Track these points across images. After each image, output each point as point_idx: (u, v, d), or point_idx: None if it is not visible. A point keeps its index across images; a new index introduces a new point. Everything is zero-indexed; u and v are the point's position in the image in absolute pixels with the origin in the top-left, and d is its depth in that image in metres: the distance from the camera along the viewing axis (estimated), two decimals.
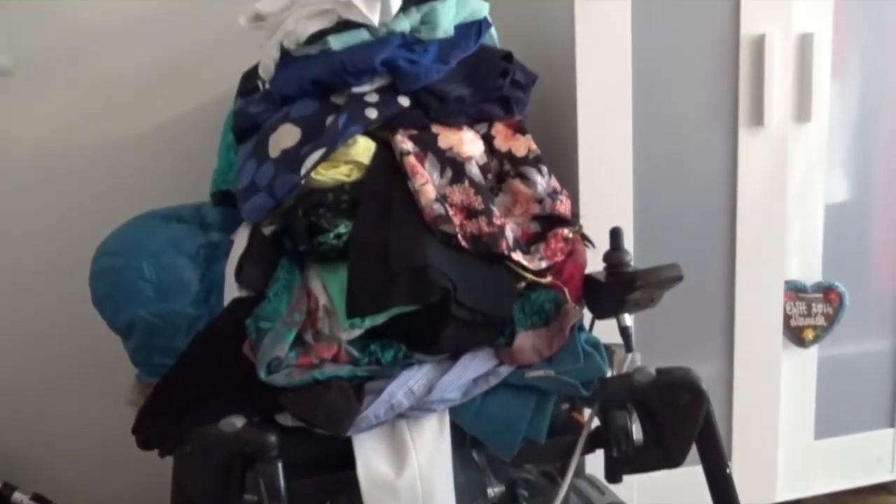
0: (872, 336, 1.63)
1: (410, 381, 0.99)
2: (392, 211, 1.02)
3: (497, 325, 1.03)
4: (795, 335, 1.57)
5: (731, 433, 1.52)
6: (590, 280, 1.09)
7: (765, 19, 1.36)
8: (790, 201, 1.46)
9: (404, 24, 1.09)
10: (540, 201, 1.11)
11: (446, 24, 1.11)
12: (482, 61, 1.15)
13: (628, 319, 1.09)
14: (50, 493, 1.56)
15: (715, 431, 1.02)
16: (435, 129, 1.10)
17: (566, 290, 1.08)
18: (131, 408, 1.09)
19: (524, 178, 1.12)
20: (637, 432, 1.02)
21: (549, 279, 1.08)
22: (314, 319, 1.00)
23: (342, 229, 1.01)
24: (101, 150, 1.59)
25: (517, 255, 1.05)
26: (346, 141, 1.03)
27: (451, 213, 1.03)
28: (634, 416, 1.03)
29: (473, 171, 1.08)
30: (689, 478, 1.05)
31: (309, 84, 1.08)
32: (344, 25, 1.06)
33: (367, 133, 1.06)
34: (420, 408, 1.00)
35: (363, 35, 1.07)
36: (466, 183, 1.07)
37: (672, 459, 1.02)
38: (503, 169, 1.14)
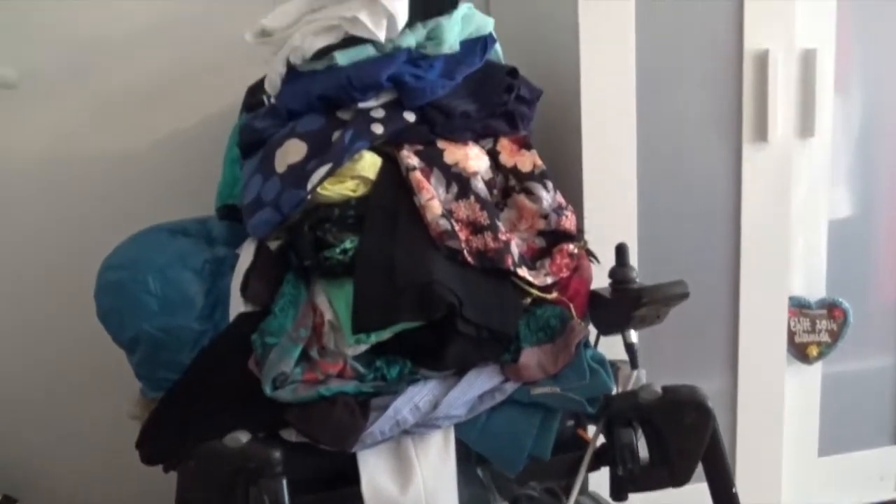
0: (876, 353, 1.63)
1: (416, 398, 0.99)
2: (398, 226, 1.02)
3: (503, 341, 1.03)
4: (799, 351, 1.57)
5: (735, 449, 1.52)
6: (595, 296, 1.10)
7: (768, 35, 1.36)
8: (794, 217, 1.46)
9: (410, 40, 1.10)
10: (545, 217, 1.11)
11: (452, 40, 1.12)
12: (487, 77, 1.15)
13: (634, 336, 1.09)
14: None
15: (721, 450, 1.02)
16: (441, 144, 1.10)
17: (572, 306, 1.08)
18: (134, 422, 1.09)
19: (529, 193, 1.12)
20: (643, 450, 1.02)
21: (554, 295, 1.08)
22: (319, 335, 1.00)
23: (348, 244, 1.01)
24: (106, 162, 1.58)
25: (523, 271, 1.05)
26: (352, 156, 1.03)
27: (456, 228, 1.03)
28: (640, 433, 1.03)
29: (479, 186, 1.08)
30: (695, 496, 1.04)
31: (315, 99, 1.08)
32: (350, 41, 1.07)
33: (373, 148, 1.07)
34: (425, 424, 0.99)
35: (369, 50, 1.08)
36: (472, 198, 1.07)
37: (678, 478, 1.01)
38: (508, 184, 1.14)
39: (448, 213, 1.04)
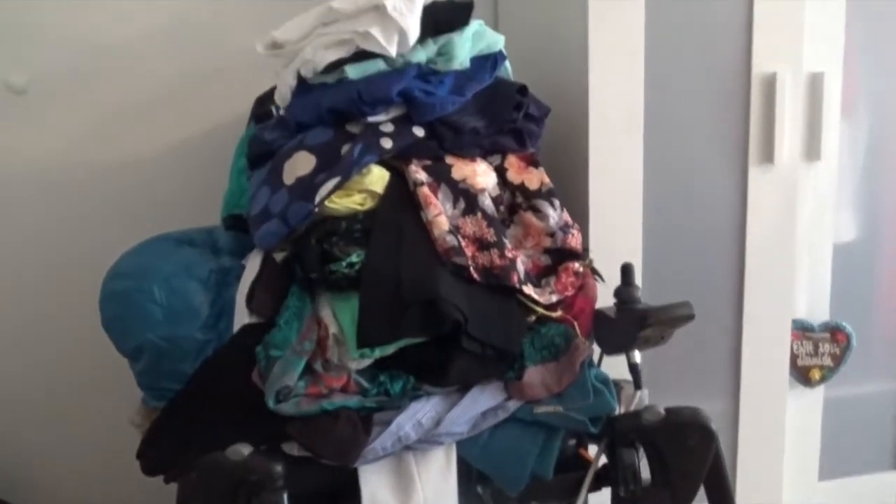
0: (879, 378, 1.62)
1: (419, 414, 0.98)
2: (404, 241, 1.02)
3: (507, 358, 1.02)
4: (802, 375, 1.57)
5: (736, 472, 1.51)
6: (600, 315, 1.09)
7: (776, 58, 1.36)
8: (799, 239, 1.46)
9: (421, 56, 1.10)
10: (552, 235, 1.12)
11: (462, 57, 1.12)
12: (497, 94, 1.16)
13: (638, 356, 1.09)
14: None
15: (723, 473, 1.01)
16: (449, 159, 1.10)
17: (576, 324, 1.08)
18: (136, 430, 1.09)
19: (536, 211, 1.12)
20: (644, 471, 1.01)
21: (559, 313, 1.08)
22: (324, 348, 1.00)
23: (354, 258, 1.01)
24: (113, 169, 1.59)
25: (528, 289, 1.05)
26: (360, 170, 1.03)
27: (463, 244, 1.03)
28: (642, 454, 1.02)
29: (486, 203, 1.09)
30: None
31: (325, 112, 1.08)
32: (361, 55, 1.07)
33: (381, 162, 1.07)
34: (427, 440, 0.99)
35: (380, 65, 1.08)
36: (479, 215, 1.07)
37: (680, 500, 1.01)
38: (515, 201, 1.14)
39: (455, 229, 1.04)
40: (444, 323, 0.96)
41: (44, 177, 1.57)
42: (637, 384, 1.08)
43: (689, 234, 1.40)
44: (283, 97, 1.15)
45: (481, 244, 1.05)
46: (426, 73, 1.11)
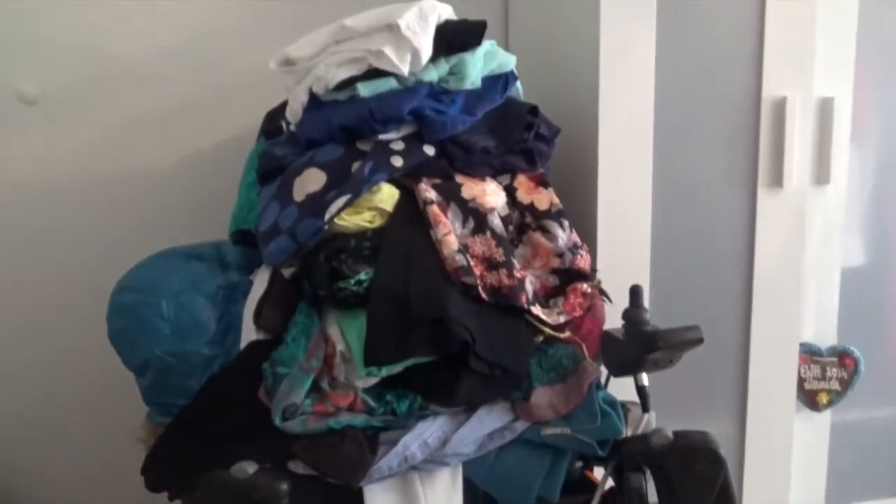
0: (887, 403, 1.61)
1: (425, 434, 0.98)
2: (413, 260, 1.02)
3: (514, 379, 1.02)
4: (809, 399, 1.56)
5: (742, 495, 1.50)
6: (608, 337, 1.09)
7: (786, 83, 1.37)
8: (807, 263, 1.46)
9: (433, 74, 1.10)
10: (560, 255, 1.11)
11: (474, 76, 1.13)
12: (508, 114, 1.16)
13: (646, 379, 1.08)
14: None
15: (732, 499, 1.00)
16: (459, 178, 1.10)
17: (584, 346, 1.07)
18: (141, 445, 1.08)
19: (545, 231, 1.12)
20: (652, 495, 1.01)
21: (567, 334, 1.07)
22: (331, 366, 0.99)
23: (363, 276, 1.01)
24: (122, 181, 1.59)
25: (536, 309, 1.05)
26: (370, 188, 1.03)
27: (471, 263, 1.02)
28: (649, 478, 1.02)
29: (495, 222, 1.08)
30: None
31: (336, 129, 1.08)
32: (373, 73, 1.07)
33: (391, 180, 1.07)
34: (434, 460, 0.99)
35: (391, 83, 1.08)
36: (488, 234, 1.07)
37: None
38: (524, 221, 1.14)
39: (464, 249, 1.04)
40: (452, 342, 0.95)
41: (53, 188, 1.57)
42: (645, 407, 1.07)
43: (698, 257, 1.40)
44: (294, 113, 1.15)
45: (490, 264, 1.05)
46: (438, 92, 1.11)
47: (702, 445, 1.00)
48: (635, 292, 1.08)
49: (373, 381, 0.99)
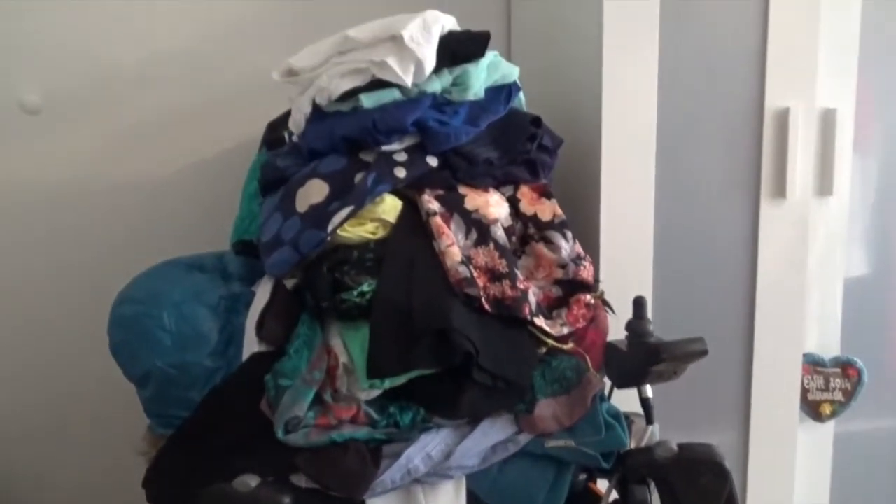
0: (890, 414, 1.61)
1: (428, 447, 0.98)
2: (416, 271, 1.02)
3: (518, 391, 1.01)
4: (812, 409, 1.55)
5: None
6: (611, 348, 1.08)
7: (789, 94, 1.37)
8: (810, 274, 1.45)
9: (436, 85, 1.10)
10: (563, 266, 1.11)
11: (477, 87, 1.13)
12: (511, 125, 1.16)
13: (649, 391, 1.08)
14: None
15: None
16: (462, 189, 1.10)
17: (587, 357, 1.07)
18: (141, 458, 1.08)
19: (548, 242, 1.12)
20: None
21: (570, 346, 1.07)
22: (333, 378, 0.99)
23: (366, 287, 1.00)
24: (124, 191, 1.59)
25: (539, 321, 1.04)
26: (373, 199, 1.03)
27: (475, 275, 1.02)
28: (653, 490, 1.01)
29: (499, 233, 1.08)
30: None
31: (339, 140, 1.08)
32: (376, 84, 1.07)
33: (394, 191, 1.07)
34: (437, 473, 0.98)
35: (395, 94, 1.08)
36: (491, 245, 1.06)
37: None
38: (527, 232, 1.14)
39: (467, 260, 1.03)
40: (456, 354, 0.95)
41: (55, 197, 1.57)
42: (649, 419, 1.07)
43: (700, 268, 1.40)
44: (297, 124, 1.15)
45: (493, 275, 1.04)
46: (441, 103, 1.11)
47: (707, 458, 0.99)
48: (639, 303, 1.08)
49: (375, 393, 0.99)
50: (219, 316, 1.05)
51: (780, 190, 1.39)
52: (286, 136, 1.29)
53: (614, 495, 1.04)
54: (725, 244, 1.40)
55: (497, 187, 1.14)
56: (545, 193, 1.16)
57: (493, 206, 1.10)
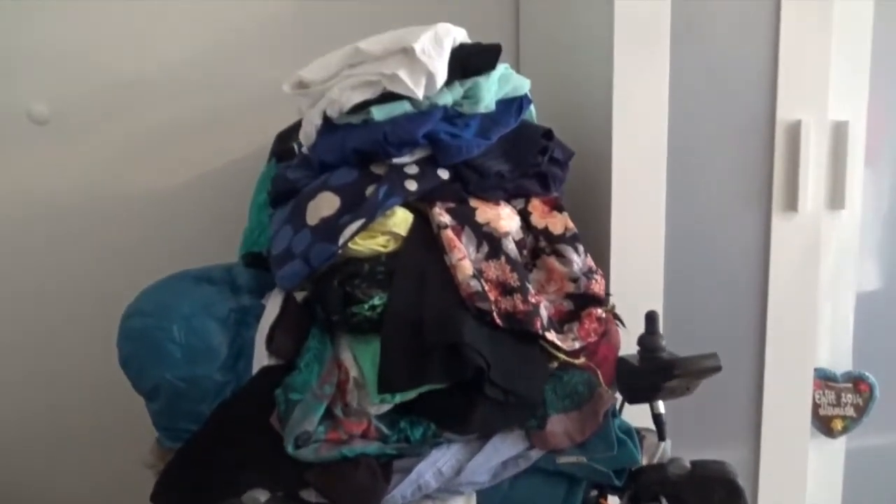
0: None
1: (439, 462, 0.97)
2: (427, 285, 1.01)
3: (529, 407, 1.01)
4: (824, 425, 1.54)
5: None
6: (623, 363, 1.07)
7: (801, 106, 1.36)
8: (821, 288, 1.45)
9: (447, 98, 1.10)
10: (575, 280, 1.10)
11: (488, 100, 1.12)
12: (522, 137, 1.15)
13: (662, 406, 1.07)
14: None
15: None
16: (473, 202, 1.09)
17: (599, 372, 1.06)
18: (149, 471, 1.07)
19: (560, 255, 1.11)
20: None
21: (582, 360, 1.06)
22: (343, 392, 0.98)
23: (377, 301, 0.99)
24: (132, 202, 1.59)
25: (551, 335, 1.03)
26: (384, 212, 1.03)
27: (486, 288, 1.01)
28: None
29: (510, 247, 1.07)
30: None
31: (349, 152, 1.08)
32: (387, 96, 1.07)
33: (405, 204, 1.06)
34: (448, 489, 0.98)
35: (405, 106, 1.08)
36: (503, 259, 1.06)
37: None
38: (538, 245, 1.13)
39: (478, 273, 1.03)
40: (467, 369, 0.94)
41: (62, 207, 1.56)
42: (661, 435, 1.06)
43: (711, 281, 1.39)
44: (307, 136, 1.14)
45: (504, 289, 1.04)
46: (452, 116, 1.10)
47: (720, 475, 0.98)
48: (651, 318, 1.07)
49: (386, 407, 0.98)
50: (229, 329, 1.04)
51: (791, 203, 1.38)
52: (295, 147, 1.29)
53: None
54: (736, 257, 1.39)
55: (508, 200, 1.13)
56: (556, 206, 1.15)
57: (505, 219, 1.09)
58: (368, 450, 0.95)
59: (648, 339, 1.07)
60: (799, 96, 1.36)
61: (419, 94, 1.04)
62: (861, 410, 1.54)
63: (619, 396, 1.10)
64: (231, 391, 1.01)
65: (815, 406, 1.51)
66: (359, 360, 0.99)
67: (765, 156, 1.37)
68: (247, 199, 1.34)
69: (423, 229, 1.06)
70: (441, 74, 1.05)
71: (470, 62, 1.09)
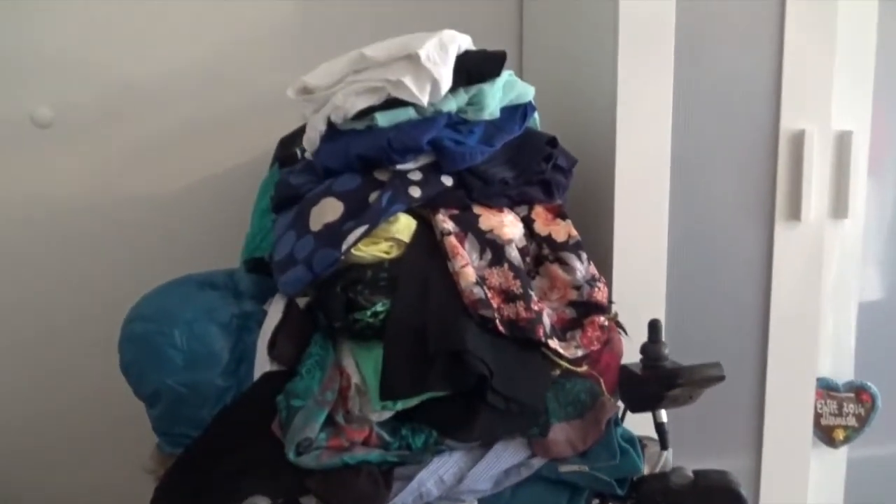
0: None
1: (441, 470, 0.96)
2: (430, 291, 1.01)
3: (532, 415, 1.00)
4: (826, 434, 1.53)
5: None
6: (626, 372, 1.07)
7: (804, 116, 1.36)
8: (824, 297, 1.44)
9: (451, 105, 1.10)
10: (578, 288, 1.10)
11: (493, 107, 1.12)
12: (526, 144, 1.15)
13: (664, 415, 1.06)
14: None
15: None
16: (476, 209, 1.09)
17: (602, 380, 1.06)
18: (149, 476, 1.07)
19: (563, 263, 1.11)
20: None
21: (584, 368, 1.05)
22: (345, 398, 0.98)
23: (379, 307, 0.99)
24: (135, 207, 1.58)
25: (553, 343, 1.03)
26: (388, 218, 1.03)
27: (489, 295, 1.01)
28: None
29: (513, 254, 1.07)
30: None
31: (353, 158, 1.08)
32: (392, 103, 1.07)
33: (408, 210, 1.06)
34: (449, 497, 0.97)
35: (410, 113, 1.08)
36: (506, 266, 1.05)
37: None
38: (542, 253, 1.13)
39: (481, 280, 1.02)
40: (470, 376, 0.94)
41: (65, 211, 1.56)
42: (664, 444, 1.05)
43: (714, 290, 1.39)
44: (311, 142, 1.14)
45: (507, 296, 1.03)
46: (456, 123, 1.10)
47: (723, 485, 0.98)
48: (654, 326, 1.07)
49: (388, 414, 0.97)
50: (230, 334, 1.04)
51: (794, 212, 1.38)
52: (298, 152, 1.29)
53: None
54: (739, 267, 1.39)
55: (511, 207, 1.13)
56: (560, 214, 1.15)
57: (508, 226, 1.09)
58: (370, 457, 0.95)
59: (651, 347, 1.06)
60: (803, 106, 1.36)
61: (424, 100, 1.04)
62: (863, 420, 1.53)
63: (621, 405, 1.09)
64: (232, 397, 1.01)
65: (817, 415, 1.51)
66: (361, 366, 0.99)
67: (768, 165, 1.37)
68: (249, 203, 1.34)
69: (427, 236, 1.06)
70: (446, 81, 1.05)
71: (475, 69, 1.09)
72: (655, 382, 1.02)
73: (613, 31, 1.27)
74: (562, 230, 1.13)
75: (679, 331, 1.33)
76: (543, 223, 1.14)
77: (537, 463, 1.00)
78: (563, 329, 1.09)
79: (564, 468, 1.00)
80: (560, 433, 1.01)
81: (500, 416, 0.97)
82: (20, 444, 1.61)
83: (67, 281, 1.58)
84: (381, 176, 1.07)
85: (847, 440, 1.55)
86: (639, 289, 1.32)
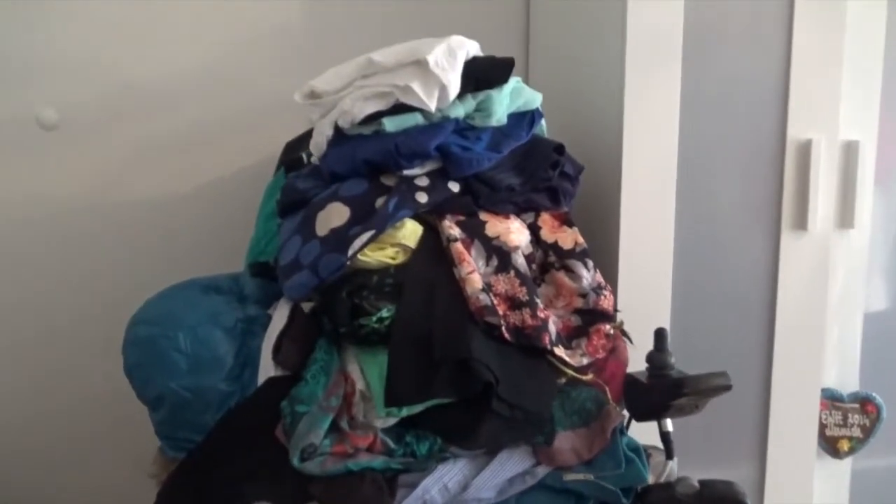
0: None
1: (445, 477, 0.96)
2: (436, 298, 1.01)
3: (537, 423, 1.00)
4: (830, 445, 1.53)
5: None
6: (631, 380, 1.06)
7: (812, 126, 1.36)
8: (829, 308, 1.44)
9: (459, 111, 1.10)
10: (584, 295, 1.10)
11: (500, 113, 1.12)
12: (533, 151, 1.15)
13: (670, 424, 1.06)
14: None
15: None
16: (483, 216, 1.09)
17: (607, 389, 1.05)
18: (151, 480, 1.06)
19: (569, 270, 1.11)
20: None
21: (590, 376, 1.05)
22: (350, 404, 0.98)
23: (385, 313, 0.99)
24: (140, 208, 1.58)
25: (559, 351, 1.03)
26: (394, 224, 1.02)
27: (495, 303, 1.01)
28: None
29: (519, 261, 1.07)
30: None
31: (360, 163, 1.07)
32: (399, 108, 1.07)
33: (415, 216, 1.06)
34: None
35: (417, 118, 1.08)
36: (512, 273, 1.05)
37: None
38: (548, 260, 1.12)
39: (487, 287, 1.02)
40: (475, 383, 0.93)
41: (70, 213, 1.56)
42: (669, 454, 1.05)
43: (719, 299, 1.38)
44: (318, 146, 1.14)
45: (513, 303, 1.03)
46: (463, 129, 1.10)
47: (728, 496, 0.97)
48: (660, 335, 1.06)
49: (392, 421, 0.97)
50: (235, 339, 1.04)
51: (801, 222, 1.38)
52: (304, 157, 1.29)
53: None
54: (745, 276, 1.38)
55: (518, 214, 1.13)
56: (566, 221, 1.15)
57: (514, 232, 1.09)
58: (374, 464, 0.94)
59: (657, 356, 1.06)
60: (810, 115, 1.35)
61: (432, 106, 1.04)
62: (868, 431, 1.53)
63: (626, 414, 1.09)
64: (236, 401, 1.01)
65: (822, 426, 1.50)
66: (366, 372, 0.99)
67: (775, 174, 1.37)
68: (254, 207, 1.34)
69: (433, 242, 1.06)
70: (454, 87, 1.05)
71: (483, 75, 1.09)
72: (661, 391, 1.02)
73: (621, 38, 1.26)
74: (568, 237, 1.13)
75: (684, 340, 1.33)
76: (550, 230, 1.14)
77: (542, 471, 1.00)
78: (569, 337, 1.08)
79: (569, 477, 0.99)
80: (565, 441, 1.00)
81: (505, 423, 0.97)
82: (20, 444, 1.60)
83: (71, 283, 1.58)
84: (388, 181, 1.07)
85: (852, 451, 1.54)
86: (644, 297, 1.32)
